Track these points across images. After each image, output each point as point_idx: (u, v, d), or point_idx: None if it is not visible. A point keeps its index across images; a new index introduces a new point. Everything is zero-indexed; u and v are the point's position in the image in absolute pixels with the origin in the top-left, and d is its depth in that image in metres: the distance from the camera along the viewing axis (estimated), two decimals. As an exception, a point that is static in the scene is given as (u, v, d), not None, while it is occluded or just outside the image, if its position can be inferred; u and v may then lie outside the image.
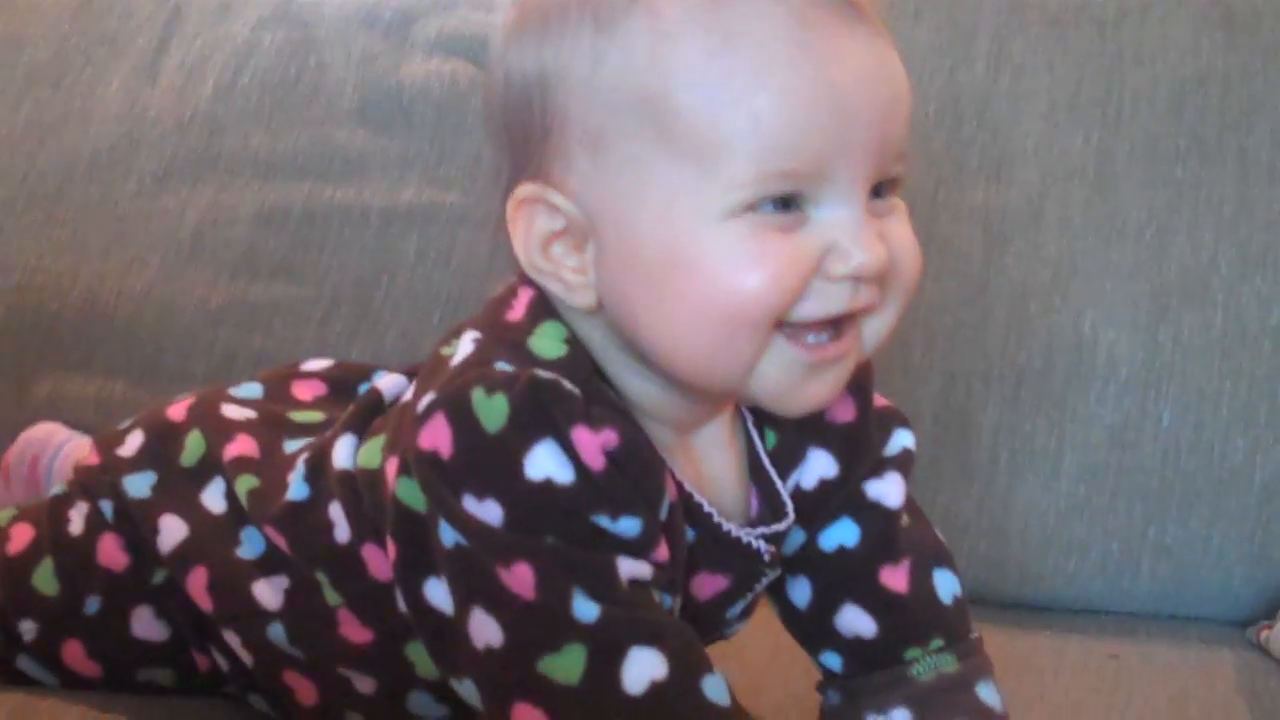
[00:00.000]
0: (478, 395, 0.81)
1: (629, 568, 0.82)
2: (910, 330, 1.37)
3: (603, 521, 0.81)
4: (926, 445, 1.33)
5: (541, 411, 0.81)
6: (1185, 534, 1.32)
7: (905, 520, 0.99)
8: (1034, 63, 1.43)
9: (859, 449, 0.97)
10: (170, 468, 1.02)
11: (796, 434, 0.95)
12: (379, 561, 0.90)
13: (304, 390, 1.08)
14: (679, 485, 0.88)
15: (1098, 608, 1.34)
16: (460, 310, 1.44)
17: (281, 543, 0.95)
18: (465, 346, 0.87)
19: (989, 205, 1.40)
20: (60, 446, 1.37)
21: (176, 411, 1.05)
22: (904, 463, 0.99)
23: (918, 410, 1.34)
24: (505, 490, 0.80)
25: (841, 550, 0.97)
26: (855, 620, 0.96)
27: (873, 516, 0.97)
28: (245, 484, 0.98)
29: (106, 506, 1.03)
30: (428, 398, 0.83)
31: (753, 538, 0.92)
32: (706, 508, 0.90)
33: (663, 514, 0.85)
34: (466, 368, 0.85)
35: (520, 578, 0.80)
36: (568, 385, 0.82)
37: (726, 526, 0.90)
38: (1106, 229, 1.37)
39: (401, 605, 0.88)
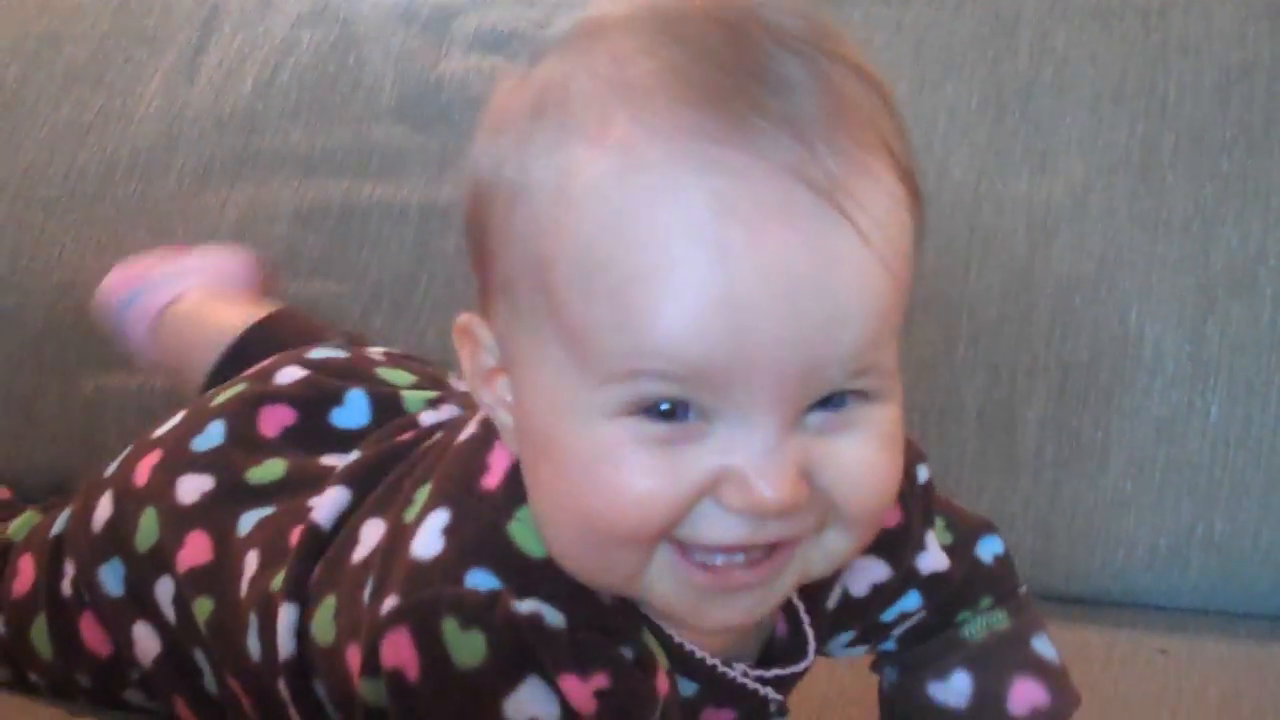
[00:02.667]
0: (449, 627, 0.72)
1: None
2: (954, 324, 1.36)
3: None
4: (972, 440, 1.34)
5: (525, 654, 0.72)
6: (1233, 529, 1.30)
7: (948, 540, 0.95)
8: (1077, 53, 1.42)
9: (909, 548, 0.91)
10: (131, 554, 0.96)
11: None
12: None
13: (270, 422, 0.98)
14: (675, 651, 0.79)
15: (1145, 602, 1.32)
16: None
17: (245, 698, 0.90)
18: (432, 535, 0.76)
19: (1033, 197, 1.39)
20: (121, 314, 1.29)
21: (140, 474, 0.97)
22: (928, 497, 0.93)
23: (962, 404, 1.33)
24: None
25: (902, 615, 0.94)
26: (903, 603, 0.95)
27: (930, 585, 0.93)
28: (203, 608, 0.91)
29: (84, 579, 0.98)
30: (390, 601, 0.74)
31: (759, 685, 0.83)
32: (708, 660, 0.80)
33: None
34: (434, 575, 0.75)
35: None
36: (550, 622, 0.73)
37: (732, 675, 0.82)
38: (1152, 220, 1.36)
39: None
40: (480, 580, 0.74)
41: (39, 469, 1.36)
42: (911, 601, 0.93)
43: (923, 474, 0.92)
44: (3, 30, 1.67)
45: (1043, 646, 0.94)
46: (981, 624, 0.94)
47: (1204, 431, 1.32)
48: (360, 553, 0.83)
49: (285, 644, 0.85)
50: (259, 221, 1.50)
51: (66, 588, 0.99)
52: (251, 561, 0.89)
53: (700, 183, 0.66)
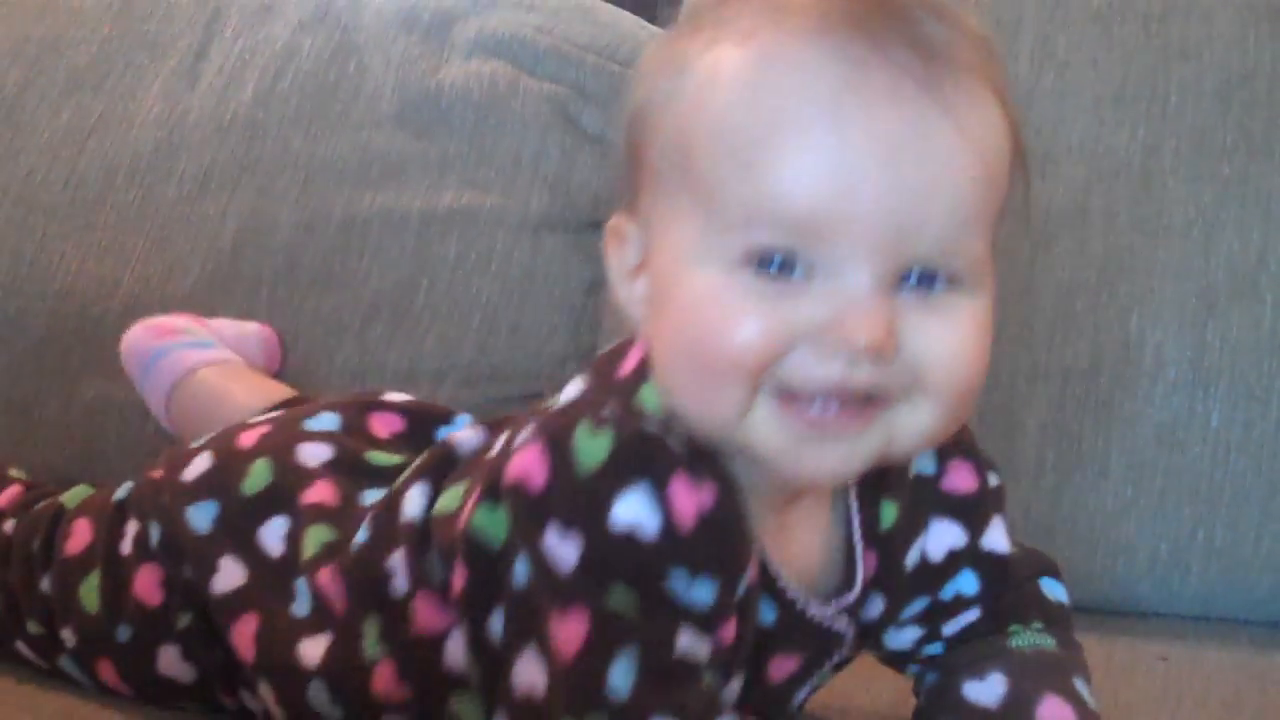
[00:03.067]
0: (582, 430, 0.81)
1: (688, 642, 0.80)
2: (955, 330, 1.36)
3: (678, 583, 0.80)
4: (972, 446, 1.33)
5: (643, 457, 0.80)
6: (1235, 535, 1.30)
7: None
8: (1078, 58, 1.41)
9: (982, 517, 0.98)
10: (231, 497, 1.02)
11: (914, 506, 0.95)
12: (428, 614, 0.91)
13: (381, 425, 1.08)
14: (763, 567, 0.86)
15: (1146, 609, 1.33)
16: (500, 314, 1.44)
17: (336, 590, 0.95)
18: (570, 391, 0.87)
19: (1033, 202, 1.38)
20: (150, 364, 1.34)
21: (248, 438, 1.06)
22: (999, 498, 1.00)
23: (962, 410, 1.33)
24: (588, 530, 0.79)
25: (959, 598, 0.98)
26: (962, 582, 0.97)
27: (988, 564, 0.98)
28: (320, 534, 0.98)
29: (154, 531, 1.03)
30: (527, 430, 0.84)
31: (832, 620, 0.91)
32: (790, 592, 0.89)
33: (740, 590, 0.84)
34: (572, 406, 0.85)
35: (571, 630, 0.79)
36: (672, 442, 0.81)
37: (811, 611, 0.90)
38: (1153, 226, 1.36)
39: (447, 657, 0.89)
40: (612, 411, 0.83)
41: (40, 475, 1.35)
42: (969, 584, 0.97)
43: (994, 479, 0.99)
44: (3, 34, 1.66)
45: (1084, 689, 0.95)
46: (1030, 639, 0.96)
47: (1205, 437, 1.32)
48: (496, 450, 0.91)
49: (412, 510, 0.93)
50: (260, 230, 1.50)
51: (126, 546, 1.04)
52: (367, 516, 0.97)
53: (826, 68, 0.77)
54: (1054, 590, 1.00)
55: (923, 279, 0.79)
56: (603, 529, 0.79)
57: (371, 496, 0.99)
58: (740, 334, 0.78)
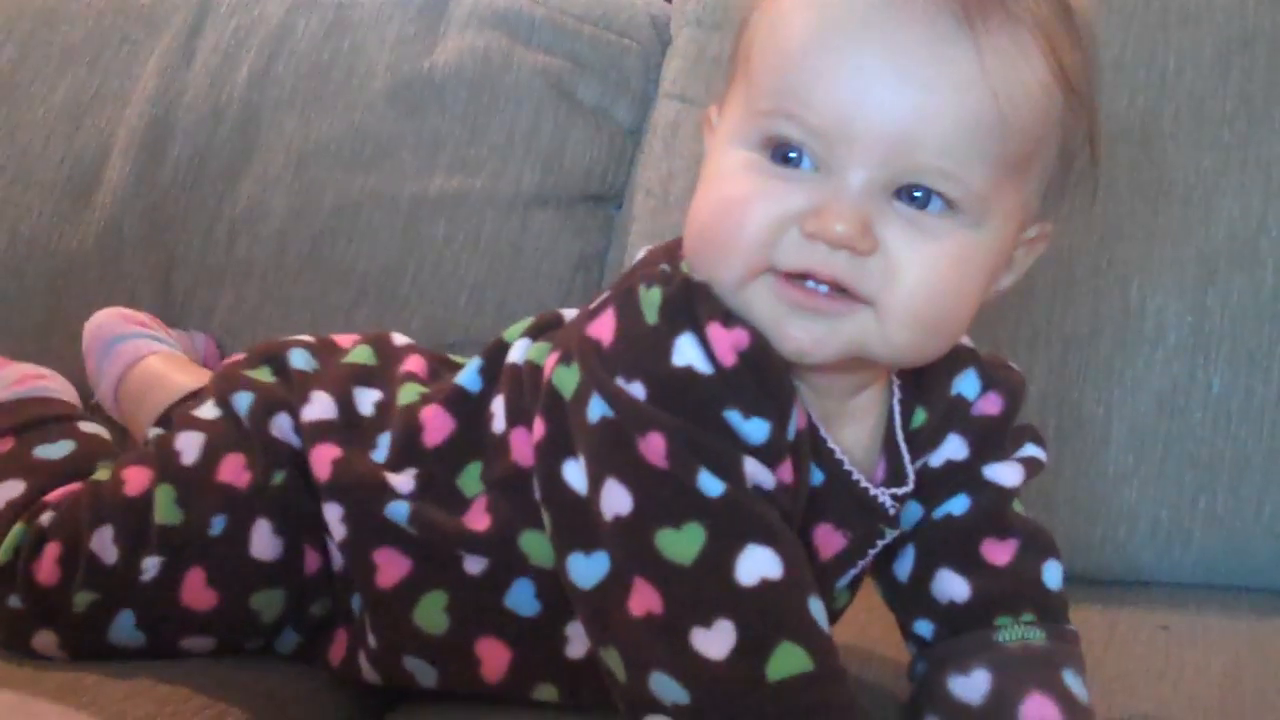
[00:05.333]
0: (642, 289, 0.90)
1: (754, 469, 0.88)
2: (954, 297, 1.35)
3: (734, 419, 0.88)
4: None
5: (688, 305, 0.89)
6: (1236, 502, 1.30)
7: (1021, 510, 1.02)
8: (1077, 24, 1.40)
9: (991, 441, 1.01)
10: (332, 363, 1.12)
11: (944, 418, 1.00)
12: (523, 447, 0.97)
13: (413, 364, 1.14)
14: (810, 422, 0.93)
15: (1147, 578, 1.33)
16: (487, 293, 1.44)
17: (441, 425, 1.03)
18: (637, 257, 0.98)
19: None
20: (109, 346, 1.40)
21: (343, 339, 1.16)
22: (1029, 464, 1.03)
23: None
24: (651, 372, 0.88)
25: (948, 517, 1.00)
26: (950, 585, 0.99)
27: (985, 492, 1.01)
28: (412, 390, 1.07)
29: (243, 401, 1.08)
30: (603, 297, 0.94)
31: (878, 492, 0.96)
32: (838, 454, 0.94)
33: (790, 432, 0.91)
34: (634, 271, 0.95)
35: (654, 447, 0.87)
36: (713, 291, 0.90)
37: (856, 475, 0.95)
38: (1153, 192, 1.35)
39: (536, 490, 0.94)
40: (666, 268, 0.93)
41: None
42: (961, 505, 1.01)
43: (1032, 449, 1.04)
44: (-2, 9, 1.66)
45: (1074, 682, 0.95)
46: (1018, 634, 0.97)
47: (1206, 404, 1.32)
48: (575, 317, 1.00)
49: (515, 356, 1.01)
50: (252, 214, 1.50)
51: (189, 457, 1.07)
52: (475, 360, 1.06)
53: None
54: (1053, 577, 1.00)
55: (916, 196, 0.86)
56: (664, 370, 0.88)
57: (471, 361, 1.06)
58: (743, 215, 0.87)
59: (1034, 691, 0.93)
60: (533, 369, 0.98)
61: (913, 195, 0.86)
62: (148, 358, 1.38)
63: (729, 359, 0.87)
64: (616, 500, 0.88)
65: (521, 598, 0.99)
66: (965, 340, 1.03)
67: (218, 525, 1.05)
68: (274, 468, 1.06)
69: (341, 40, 1.55)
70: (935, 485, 1.00)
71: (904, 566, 1.01)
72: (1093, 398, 1.34)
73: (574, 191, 1.47)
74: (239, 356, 1.14)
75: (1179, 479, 1.31)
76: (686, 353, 0.88)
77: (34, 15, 1.64)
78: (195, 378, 1.32)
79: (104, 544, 1.06)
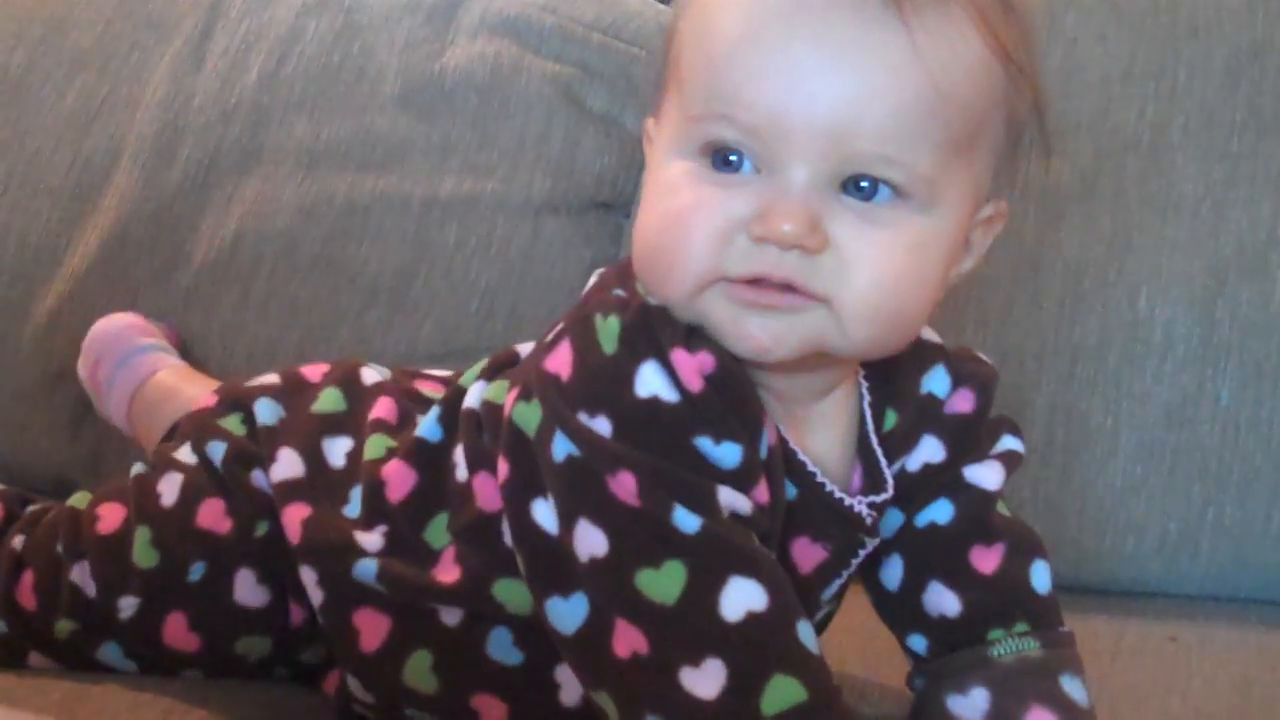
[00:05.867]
0: (597, 319, 0.88)
1: (729, 497, 0.86)
2: (962, 307, 1.36)
3: (704, 445, 0.86)
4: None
5: (648, 332, 0.87)
6: (1244, 514, 1.30)
7: (1004, 511, 1.00)
8: (1086, 34, 1.41)
9: (967, 441, 1.00)
10: (300, 411, 1.08)
11: (916, 419, 0.98)
12: (487, 493, 0.95)
13: (422, 383, 1.13)
14: (780, 437, 0.91)
15: (1155, 589, 1.32)
16: (498, 299, 1.44)
17: (403, 480, 1.00)
18: (589, 284, 0.96)
19: (1041, 180, 1.38)
20: (126, 357, 1.39)
21: (312, 373, 1.12)
22: (1008, 459, 1.00)
23: (970, 390, 1.32)
24: (615, 405, 0.86)
25: (933, 526, 0.99)
26: (940, 599, 0.98)
27: (968, 497, 0.99)
28: (379, 444, 1.04)
29: (216, 450, 1.06)
30: (557, 328, 0.92)
31: (854, 502, 0.94)
32: (810, 466, 0.93)
33: (763, 451, 0.89)
34: (588, 297, 0.93)
35: (625, 485, 0.85)
36: (672, 313, 0.88)
37: (829, 487, 0.93)
38: (1162, 203, 1.35)
39: (506, 535, 0.92)
40: (620, 293, 0.91)
41: (46, 460, 1.35)
42: (944, 513, 0.99)
43: (1010, 442, 1.01)
44: (7, 14, 1.65)
45: (1072, 687, 0.94)
46: (1012, 647, 0.96)
47: (1214, 415, 1.31)
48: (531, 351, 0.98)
49: (471, 400, 1.00)
50: (262, 215, 1.49)
51: (169, 499, 1.06)
52: (434, 409, 1.04)
53: None
54: (1041, 579, 0.99)
55: (863, 186, 0.84)
56: (628, 403, 0.86)
57: (431, 410, 1.04)
58: (688, 228, 0.85)
59: (1034, 706, 0.92)
60: (491, 409, 0.97)
61: (859, 186, 0.84)
62: (160, 372, 1.37)
63: (695, 384, 0.86)
64: (591, 541, 0.86)
65: (501, 646, 0.97)
66: (932, 336, 1.01)
67: (197, 571, 1.04)
68: (258, 519, 1.04)
69: (351, 43, 1.55)
70: (914, 490, 0.99)
71: (892, 577, 1.00)
72: (1101, 409, 1.33)
73: (584, 199, 1.47)
74: (209, 401, 1.12)
75: (1187, 490, 1.31)
76: (650, 382, 0.86)
77: (44, 20, 1.64)
78: (202, 388, 1.32)
79: (84, 578, 1.06)
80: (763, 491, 0.88)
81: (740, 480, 0.87)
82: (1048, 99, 0.92)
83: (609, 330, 0.88)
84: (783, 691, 0.82)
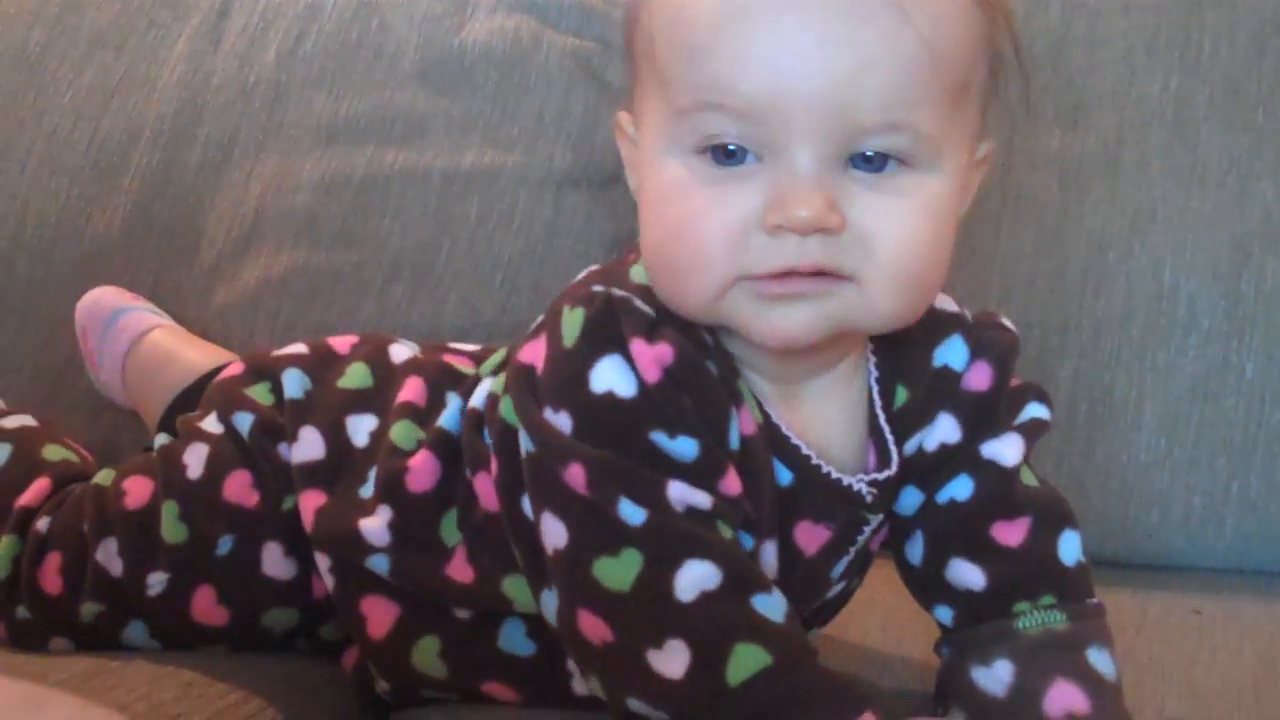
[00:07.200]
0: (565, 311, 0.88)
1: (681, 492, 0.86)
2: (986, 281, 1.35)
3: (659, 439, 0.86)
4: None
5: (610, 325, 0.86)
6: (1269, 487, 1.29)
7: (1032, 481, 0.98)
8: (1110, 6, 1.40)
9: (985, 418, 0.97)
10: (326, 385, 1.08)
11: (929, 396, 0.96)
12: (487, 492, 0.96)
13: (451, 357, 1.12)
14: (771, 424, 0.90)
15: (1180, 563, 1.32)
16: (522, 273, 1.43)
17: (432, 472, 0.99)
18: (577, 277, 0.94)
19: (1065, 152, 1.37)
20: (111, 321, 1.39)
21: (340, 344, 1.12)
22: (1030, 429, 0.99)
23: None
24: (573, 402, 0.87)
25: (953, 503, 0.97)
26: (964, 573, 0.97)
27: (987, 473, 0.97)
28: (410, 433, 1.02)
29: (244, 421, 1.06)
30: (540, 319, 0.92)
31: (853, 481, 0.93)
32: (804, 449, 0.92)
33: (732, 442, 0.88)
34: (565, 291, 0.92)
35: (575, 477, 0.86)
36: (640, 304, 0.88)
37: (826, 469, 0.92)
38: (1186, 175, 1.34)
39: (507, 531, 0.93)
40: (597, 288, 0.89)
41: (70, 437, 1.34)
42: (964, 489, 0.97)
43: (1035, 410, 0.99)
44: (26, -6, 1.65)
45: (1099, 659, 0.93)
46: (1038, 620, 0.95)
47: (1239, 388, 1.31)
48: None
49: (478, 398, 0.99)
50: (282, 191, 1.49)
51: (195, 471, 1.06)
52: (453, 402, 1.04)
53: None
54: (1070, 549, 0.97)
55: (871, 159, 0.83)
56: (584, 399, 0.86)
57: (454, 398, 1.04)
58: (701, 234, 0.84)
59: (1058, 679, 0.91)
60: (490, 402, 0.97)
61: (866, 158, 0.84)
62: (153, 331, 1.37)
63: (653, 375, 0.85)
64: (554, 533, 0.87)
65: (514, 638, 0.98)
66: (949, 304, 1.00)
67: (225, 545, 1.04)
68: (285, 492, 1.04)
69: (369, 19, 1.55)
70: (933, 469, 0.97)
71: (915, 553, 0.99)
72: (1125, 382, 1.33)
73: (605, 173, 1.47)
74: (237, 369, 1.12)
75: (1212, 464, 1.30)
76: (606, 376, 0.86)
77: (60, 0, 1.64)
78: (207, 354, 1.32)
79: (109, 556, 1.05)
80: (732, 483, 0.88)
81: (699, 474, 0.87)
82: (1019, 28, 0.92)
83: (573, 322, 0.87)
84: (747, 659, 0.83)
